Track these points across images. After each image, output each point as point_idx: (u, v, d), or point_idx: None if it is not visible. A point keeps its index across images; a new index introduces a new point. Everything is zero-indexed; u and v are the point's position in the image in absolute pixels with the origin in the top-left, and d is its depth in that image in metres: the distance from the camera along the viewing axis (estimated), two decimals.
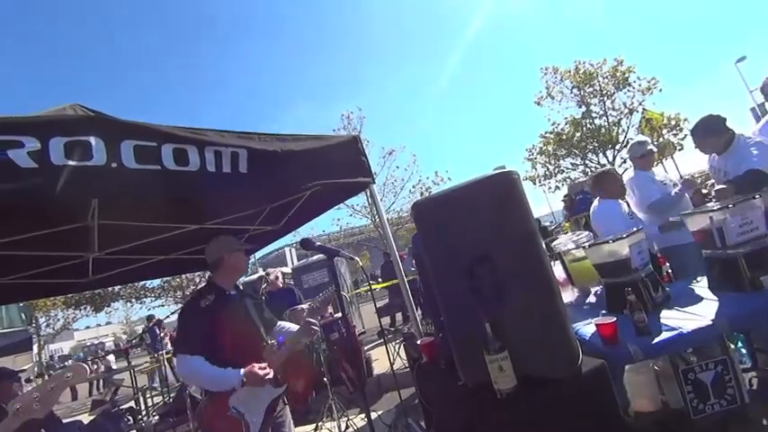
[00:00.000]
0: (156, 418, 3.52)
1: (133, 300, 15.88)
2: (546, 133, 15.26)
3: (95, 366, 12.68)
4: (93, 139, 1.42)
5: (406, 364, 4.65)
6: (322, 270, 9.80)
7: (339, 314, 4.61)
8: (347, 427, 3.59)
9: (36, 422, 2.73)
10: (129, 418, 3.14)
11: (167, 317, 12.07)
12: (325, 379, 3.69)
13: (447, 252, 1.57)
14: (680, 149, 13.63)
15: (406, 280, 2.53)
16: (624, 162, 13.51)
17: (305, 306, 4.25)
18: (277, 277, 4.29)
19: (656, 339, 1.66)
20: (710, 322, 1.66)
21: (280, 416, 2.11)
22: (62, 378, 1.26)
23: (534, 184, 15.83)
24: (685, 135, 13.66)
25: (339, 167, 2.29)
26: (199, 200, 2.57)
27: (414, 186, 13.38)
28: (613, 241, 2.04)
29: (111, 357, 12.61)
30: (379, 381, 4.73)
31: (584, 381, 1.47)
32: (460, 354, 1.61)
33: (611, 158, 14.45)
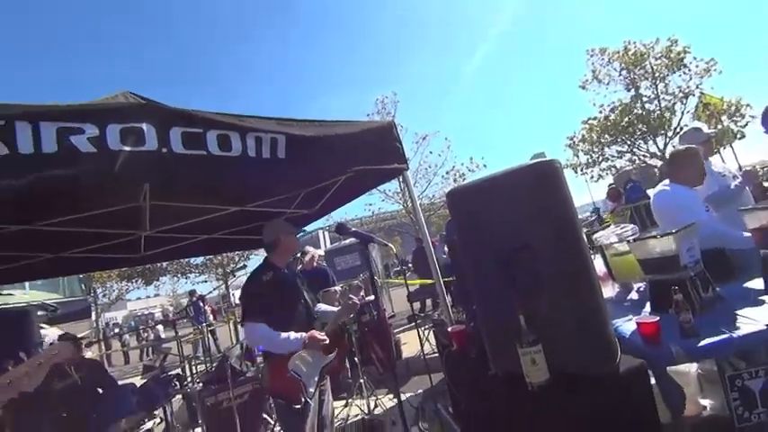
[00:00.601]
0: (200, 385, 3.79)
1: (179, 275, 17.00)
2: (590, 119, 14.35)
3: (146, 334, 13.75)
4: (145, 126, 1.51)
5: (435, 350, 4.70)
6: (354, 254, 10.00)
7: (371, 297, 4.69)
8: (375, 406, 3.70)
9: (95, 382, 3.02)
10: (176, 383, 3.41)
11: (210, 292, 12.81)
12: (356, 359, 3.81)
13: (482, 241, 1.55)
14: (740, 138, 12.46)
15: (438, 267, 2.52)
16: None
17: (337, 288, 4.37)
18: (313, 257, 4.40)
19: (703, 342, 1.57)
20: (765, 327, 1.54)
21: (323, 384, 2.32)
22: (49, 355, 1.33)
23: (576, 172, 15.06)
24: (747, 122, 12.44)
25: (374, 153, 2.30)
26: (240, 184, 2.68)
27: (447, 172, 13.04)
28: (661, 236, 1.92)
29: (159, 327, 13.62)
30: (407, 364, 4.81)
31: (622, 380, 1.42)
32: (492, 344, 1.60)
33: (661, 146, 13.45)
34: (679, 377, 1.79)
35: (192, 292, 12.09)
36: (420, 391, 4.01)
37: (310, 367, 2.06)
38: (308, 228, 5.07)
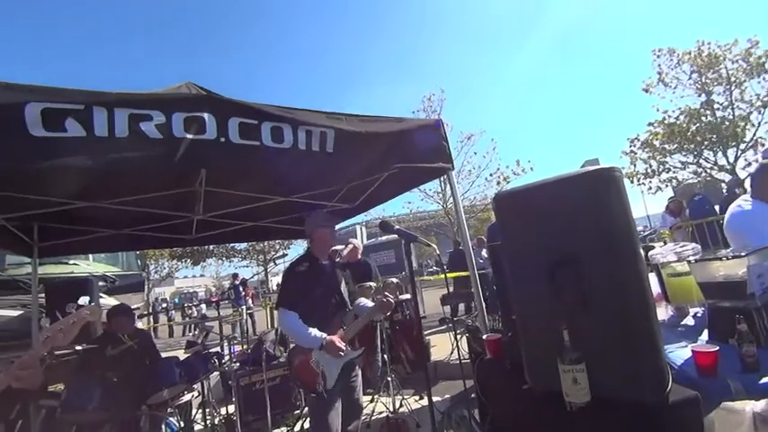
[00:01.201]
0: (237, 364, 3.98)
1: (224, 258, 17.97)
2: (654, 122, 13.12)
3: (190, 311, 14.66)
4: (206, 116, 1.60)
5: (466, 356, 4.60)
6: (390, 251, 10.03)
7: (407, 296, 4.68)
8: (401, 405, 3.69)
9: (144, 351, 3.25)
10: (216, 360, 3.60)
11: (251, 277, 13.41)
12: (385, 356, 3.82)
13: (528, 249, 1.49)
14: None
15: (476, 271, 2.46)
16: (749, 165, 11.31)
17: (372, 284, 4.40)
18: (355, 249, 4.44)
19: (766, 379, 1.41)
20: None
21: (354, 378, 2.31)
22: (81, 315, 1.46)
23: (631, 182, 14.01)
24: None
25: (420, 151, 2.28)
26: (288, 175, 2.78)
27: (491, 175, 12.70)
28: (729, 258, 1.75)
29: (203, 305, 14.48)
30: (435, 367, 4.75)
31: (672, 411, 1.31)
32: (530, 357, 1.54)
33: (732, 159, 12.19)
34: (731, 415, 1.62)
35: (234, 276, 12.74)
36: (447, 396, 3.96)
37: (333, 361, 2.12)
38: (347, 222, 5.15)
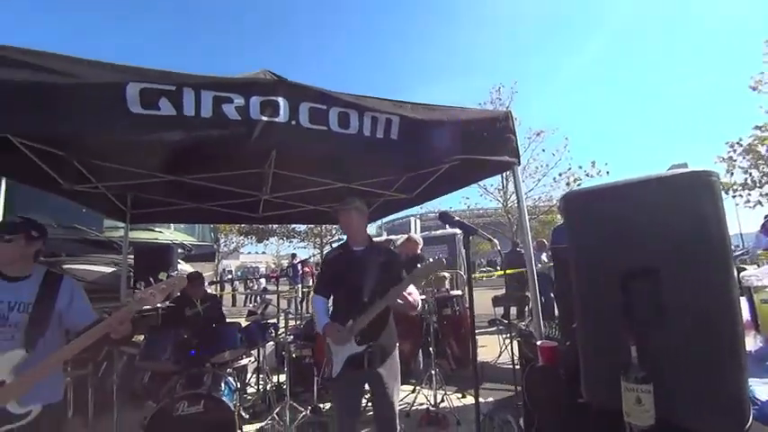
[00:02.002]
0: (291, 338, 4.22)
1: (284, 238, 19.07)
2: (762, 126, 11.12)
3: (251, 284, 15.80)
4: (281, 100, 1.69)
5: (514, 361, 4.42)
6: (443, 246, 9.89)
7: (457, 292, 4.61)
8: (442, 400, 3.67)
9: (212, 315, 3.56)
10: (272, 331, 3.85)
11: (308, 258, 14.06)
12: (430, 349, 3.81)
13: (599, 255, 1.38)
14: None
15: (535, 275, 2.34)
16: None
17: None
18: (416, 242, 4.45)
19: None
20: None
21: (362, 375, 2.12)
22: (171, 283, 1.70)
23: (726, 193, 12.22)
24: None
25: (485, 143, 2.18)
26: (351, 161, 2.84)
27: (560, 174, 11.76)
28: None
29: (263, 280, 15.51)
30: (481, 368, 4.64)
31: None
32: (590, 370, 1.44)
33: None
34: None
35: (292, 255, 13.46)
36: (491, 399, 3.85)
37: (338, 350, 2.10)
38: (402, 213, 5.14)
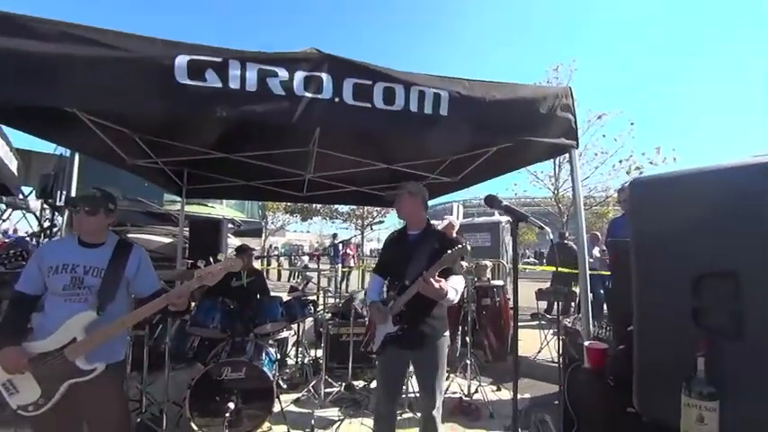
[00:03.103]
0: (329, 315, 4.33)
1: (327, 218, 19.56)
2: None
3: (295, 261, 16.45)
4: (324, 76, 1.65)
5: (554, 359, 4.22)
6: (485, 234, 9.58)
7: (498, 282, 4.46)
8: (476, 391, 3.60)
9: (258, 287, 3.73)
10: (312, 308, 3.96)
11: (349, 239, 14.29)
12: (467, 338, 3.73)
13: (668, 252, 1.22)
14: None
15: (587, 271, 2.15)
16: None
17: (464, 264, 4.28)
18: (452, 224, 4.36)
19: None
20: None
21: (402, 355, 2.19)
22: (228, 263, 1.79)
23: None
24: None
25: (542, 124, 1.99)
26: (395, 140, 2.77)
27: (620, 162, 10.47)
28: None
29: (305, 258, 16.08)
30: (518, 362, 4.49)
31: None
32: (645, 379, 1.31)
33: None
34: None
35: (334, 235, 13.76)
36: (527, 395, 3.72)
37: (381, 327, 2.19)
38: (444, 197, 5.01)
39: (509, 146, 2.24)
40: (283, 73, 1.60)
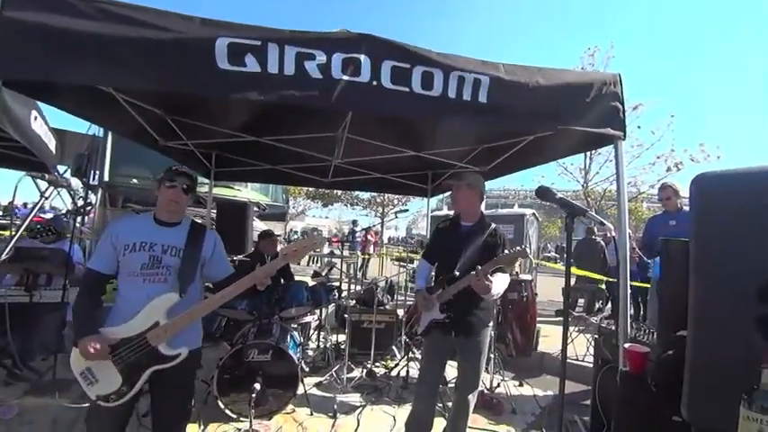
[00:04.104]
0: (353, 302, 4.34)
1: (348, 205, 19.68)
2: None
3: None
4: (363, 57, 1.58)
5: (579, 357, 4.14)
6: (509, 225, 9.36)
7: (527, 276, 4.36)
8: (498, 386, 3.56)
9: (283, 271, 3.76)
10: (335, 293, 3.99)
11: (372, 226, 14.30)
12: (491, 332, 3.67)
13: (734, 256, 1.12)
14: None
15: (628, 270, 2.04)
16: None
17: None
18: None
19: None
20: None
21: (460, 345, 2.24)
22: (310, 242, 1.74)
23: None
24: None
25: (587, 112, 1.87)
26: (429, 127, 2.69)
27: (658, 157, 9.97)
28: None
29: (325, 243, 16.27)
30: (542, 358, 4.41)
31: None
32: (699, 388, 1.22)
33: None
34: None
35: (354, 222, 13.83)
36: (550, 392, 3.65)
37: (426, 313, 2.26)
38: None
39: (548, 135, 2.12)
40: (321, 56, 1.55)
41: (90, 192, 4.93)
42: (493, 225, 2.27)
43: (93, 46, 1.43)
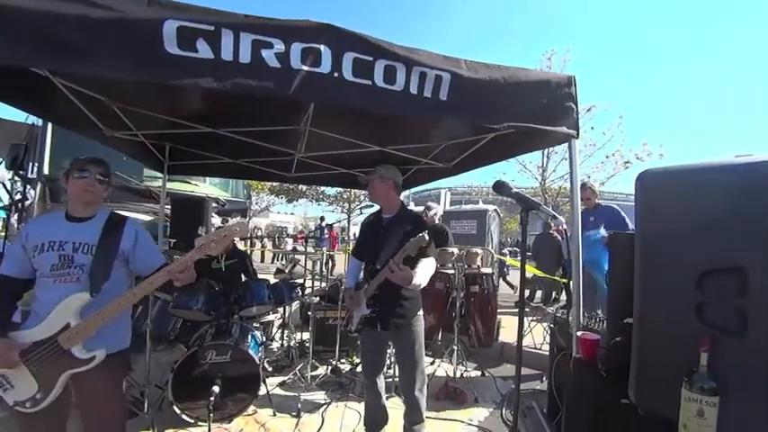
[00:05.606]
0: (316, 299, 4.28)
1: (314, 200, 19.32)
2: None
3: (279, 243, 16.28)
4: (323, 48, 1.53)
5: (536, 345, 4.34)
6: (472, 221, 9.64)
7: (487, 270, 4.48)
8: (461, 375, 3.66)
9: (242, 269, 3.63)
10: (299, 290, 3.91)
11: (336, 222, 14.17)
12: (454, 324, 3.75)
13: (674, 246, 1.20)
14: None
15: (580, 262, 2.15)
16: None
17: (454, 250, 4.29)
18: (436, 214, 4.37)
19: None
20: None
21: (393, 338, 2.30)
22: (231, 230, 1.60)
23: None
24: None
25: (544, 111, 1.93)
26: (392, 122, 2.67)
27: (607, 156, 10.71)
28: None
29: (290, 240, 15.93)
30: (502, 348, 4.59)
31: None
32: (644, 372, 1.30)
33: None
34: None
35: (321, 218, 13.64)
36: (510, 380, 3.80)
37: (357, 308, 2.28)
38: (434, 184, 4.94)
39: (508, 133, 2.18)
40: (279, 44, 1.48)
41: (28, 186, 4.50)
42: (414, 214, 2.34)
43: (24, 22, 1.27)
